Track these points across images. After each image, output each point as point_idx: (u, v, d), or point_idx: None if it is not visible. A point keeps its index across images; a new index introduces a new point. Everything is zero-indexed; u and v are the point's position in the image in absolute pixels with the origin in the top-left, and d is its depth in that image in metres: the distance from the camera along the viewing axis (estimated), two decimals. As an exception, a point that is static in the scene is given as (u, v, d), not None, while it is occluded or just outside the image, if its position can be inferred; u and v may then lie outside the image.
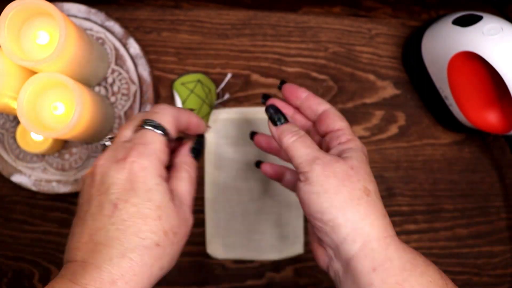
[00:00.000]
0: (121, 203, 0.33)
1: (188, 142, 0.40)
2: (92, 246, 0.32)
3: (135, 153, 0.34)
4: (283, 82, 0.45)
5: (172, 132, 0.37)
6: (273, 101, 0.45)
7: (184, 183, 0.37)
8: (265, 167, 0.48)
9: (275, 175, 0.47)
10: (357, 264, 0.35)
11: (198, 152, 0.40)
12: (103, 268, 0.31)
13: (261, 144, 0.48)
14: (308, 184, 0.37)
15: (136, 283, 0.32)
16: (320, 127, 0.42)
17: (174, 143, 0.40)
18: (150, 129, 0.36)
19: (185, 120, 0.39)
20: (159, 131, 0.36)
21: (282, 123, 0.40)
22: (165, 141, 0.36)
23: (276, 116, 0.40)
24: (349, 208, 0.35)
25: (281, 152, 0.47)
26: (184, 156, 0.39)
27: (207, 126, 0.42)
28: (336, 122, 0.41)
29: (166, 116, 0.37)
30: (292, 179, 0.46)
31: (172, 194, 0.36)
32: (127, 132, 0.37)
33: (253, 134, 0.48)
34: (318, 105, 0.43)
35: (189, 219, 0.36)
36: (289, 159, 0.39)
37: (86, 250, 0.32)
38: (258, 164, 0.49)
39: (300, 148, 0.38)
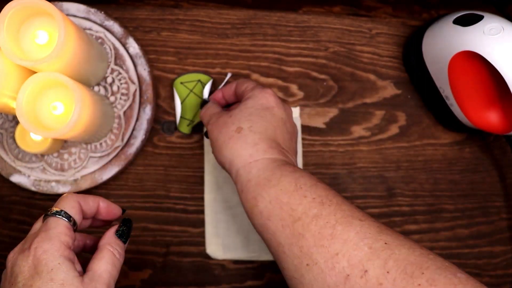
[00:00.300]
0: None
1: (115, 226, 0.41)
2: None
3: (38, 239, 0.36)
4: (204, 101, 0.54)
5: (76, 215, 0.39)
6: (213, 96, 0.54)
7: (102, 262, 0.38)
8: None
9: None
10: (236, 188, 0.44)
11: (124, 234, 0.41)
12: None
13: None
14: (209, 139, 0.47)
15: None
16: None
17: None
18: (52, 217, 0.37)
19: (92, 204, 0.41)
20: (61, 216, 0.37)
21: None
22: (67, 224, 0.37)
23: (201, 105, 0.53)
24: (224, 148, 0.44)
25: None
26: (108, 238, 0.40)
27: (122, 210, 0.44)
28: (239, 88, 0.50)
29: (68, 202, 0.39)
30: None
31: (81, 272, 0.36)
32: (37, 225, 0.39)
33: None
34: (231, 88, 0.51)
35: None
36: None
37: None
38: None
39: (205, 115, 0.50)
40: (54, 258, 0.35)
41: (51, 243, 0.35)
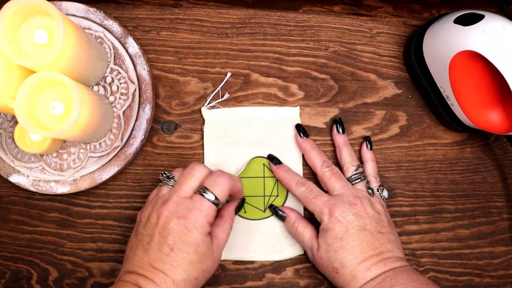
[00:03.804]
0: (176, 248, 0.46)
1: (235, 201, 0.54)
2: (153, 270, 0.46)
3: (193, 216, 0.47)
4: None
5: (223, 200, 0.49)
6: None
7: (224, 233, 0.51)
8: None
9: None
10: None
11: (239, 209, 0.55)
12: (160, 285, 0.45)
13: None
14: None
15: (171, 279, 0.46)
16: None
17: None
18: (207, 200, 0.48)
19: (237, 188, 0.52)
20: (214, 205, 0.48)
21: (283, 217, 0.56)
22: (216, 209, 0.48)
23: (278, 215, 0.56)
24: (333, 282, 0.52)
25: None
26: (230, 212, 0.53)
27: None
28: (312, 208, 0.53)
29: (224, 190, 0.49)
30: None
31: (212, 241, 0.49)
32: (187, 188, 0.49)
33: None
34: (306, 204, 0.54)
35: (218, 259, 0.50)
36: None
37: (147, 270, 0.46)
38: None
39: (301, 236, 0.54)
40: (201, 235, 0.47)
41: (201, 224, 0.47)
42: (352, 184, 0.53)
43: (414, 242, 0.58)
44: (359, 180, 0.54)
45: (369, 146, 0.57)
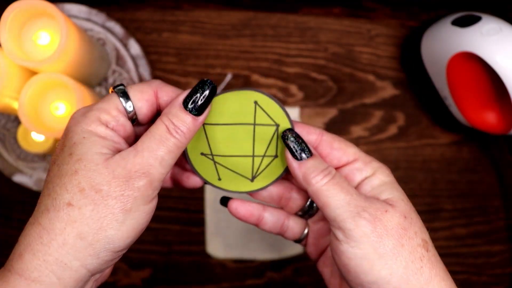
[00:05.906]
0: (50, 167, 0.29)
1: (186, 91, 0.30)
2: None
3: (78, 111, 0.30)
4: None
5: (139, 102, 0.30)
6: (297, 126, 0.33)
7: (146, 138, 0.28)
8: (235, 206, 0.37)
9: (251, 218, 0.37)
10: None
11: (195, 102, 0.29)
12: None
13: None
14: (354, 247, 0.29)
15: (44, 253, 0.27)
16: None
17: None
18: (113, 93, 0.30)
19: (169, 95, 0.31)
20: (116, 93, 0.30)
21: (307, 157, 0.31)
22: (118, 104, 0.29)
23: (298, 147, 0.32)
24: (412, 275, 0.29)
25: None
26: (170, 106, 0.29)
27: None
28: (346, 150, 0.32)
29: (142, 86, 0.30)
30: (298, 229, 0.37)
31: (115, 150, 0.29)
32: None
33: (225, 200, 0.37)
34: (308, 134, 0.33)
35: (133, 176, 0.27)
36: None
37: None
38: (224, 201, 0.37)
39: (337, 194, 0.29)
40: (81, 132, 0.28)
41: (85, 116, 0.29)
42: None
43: (412, 241, 0.58)
44: None
45: None
